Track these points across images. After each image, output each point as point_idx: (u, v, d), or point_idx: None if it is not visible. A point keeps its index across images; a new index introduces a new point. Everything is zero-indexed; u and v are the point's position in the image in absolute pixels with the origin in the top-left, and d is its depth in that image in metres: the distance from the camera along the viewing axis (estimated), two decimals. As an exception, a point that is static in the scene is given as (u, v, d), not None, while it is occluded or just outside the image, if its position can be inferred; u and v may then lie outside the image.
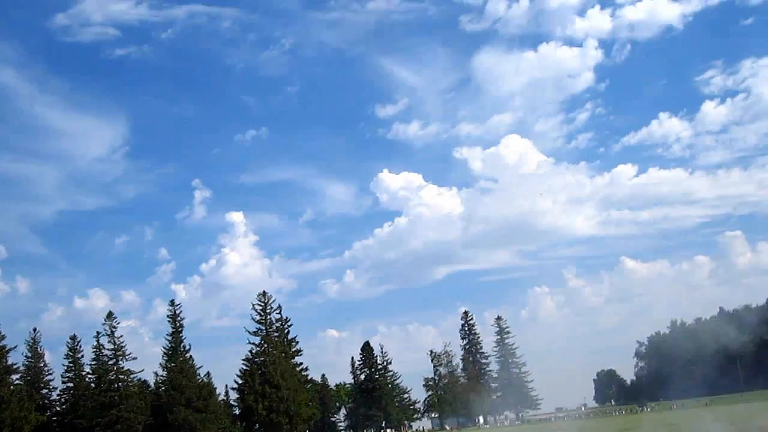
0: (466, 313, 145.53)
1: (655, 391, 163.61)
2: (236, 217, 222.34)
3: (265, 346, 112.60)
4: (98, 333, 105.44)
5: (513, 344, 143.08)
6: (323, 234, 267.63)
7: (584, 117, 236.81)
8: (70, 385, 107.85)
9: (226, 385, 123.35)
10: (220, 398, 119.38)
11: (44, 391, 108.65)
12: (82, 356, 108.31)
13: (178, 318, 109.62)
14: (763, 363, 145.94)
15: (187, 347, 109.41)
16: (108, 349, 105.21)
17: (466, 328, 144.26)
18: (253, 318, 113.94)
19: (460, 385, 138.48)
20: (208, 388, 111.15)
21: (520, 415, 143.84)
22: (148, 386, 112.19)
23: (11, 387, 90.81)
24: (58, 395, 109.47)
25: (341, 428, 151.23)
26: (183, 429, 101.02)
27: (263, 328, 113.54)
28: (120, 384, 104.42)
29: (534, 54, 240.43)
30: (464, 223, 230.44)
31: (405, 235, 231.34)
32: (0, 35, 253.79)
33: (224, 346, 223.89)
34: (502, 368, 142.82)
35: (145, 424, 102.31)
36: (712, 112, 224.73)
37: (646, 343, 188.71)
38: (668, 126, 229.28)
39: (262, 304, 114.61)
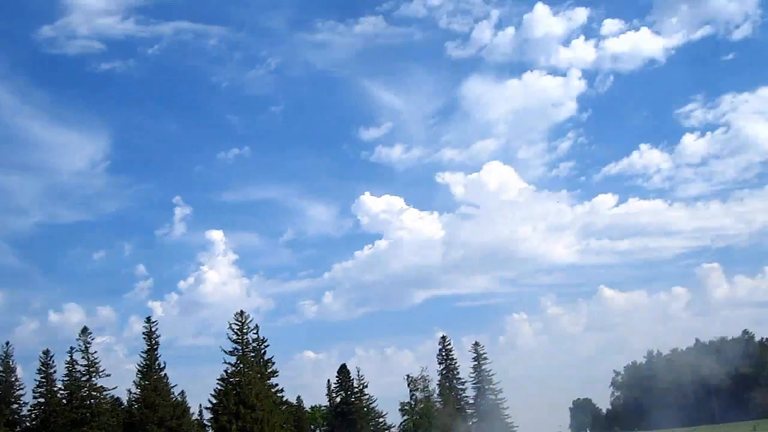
0: (443, 338, 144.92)
1: (631, 421, 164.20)
2: (216, 235, 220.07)
3: (241, 366, 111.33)
4: (72, 348, 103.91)
5: (490, 371, 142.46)
6: (303, 254, 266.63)
7: (566, 146, 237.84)
8: (42, 400, 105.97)
9: (200, 405, 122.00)
10: (193, 418, 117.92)
11: (14, 405, 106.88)
12: (55, 371, 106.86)
13: (154, 335, 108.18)
14: (738, 395, 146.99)
15: (162, 365, 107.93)
16: (81, 365, 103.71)
17: (444, 353, 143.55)
18: (229, 337, 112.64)
19: (436, 411, 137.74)
20: (181, 407, 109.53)
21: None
22: (121, 404, 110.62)
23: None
24: (28, 411, 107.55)
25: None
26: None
27: (239, 347, 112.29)
28: (92, 401, 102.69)
29: (518, 82, 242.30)
30: (444, 248, 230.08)
31: (385, 258, 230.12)
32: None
33: (199, 365, 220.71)
34: (479, 394, 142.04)
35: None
36: (692, 144, 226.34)
37: (623, 372, 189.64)
38: (649, 157, 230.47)
39: (239, 324, 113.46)
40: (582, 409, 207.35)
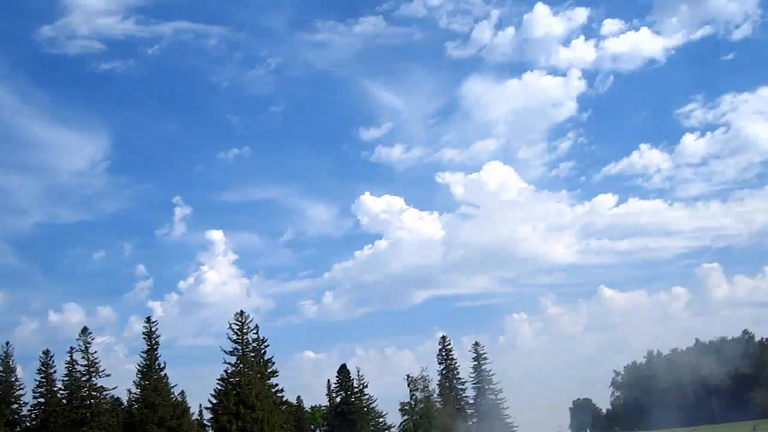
0: (443, 338, 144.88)
1: (631, 421, 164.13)
2: (216, 235, 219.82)
3: (241, 366, 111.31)
4: (72, 348, 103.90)
5: (490, 371, 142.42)
6: (303, 254, 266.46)
7: (566, 146, 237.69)
8: (42, 400, 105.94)
9: (200, 405, 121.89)
10: (193, 418, 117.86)
11: (14, 405, 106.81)
12: (55, 371, 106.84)
13: (154, 335, 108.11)
14: (738, 395, 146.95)
15: (162, 365, 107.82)
16: (81, 365, 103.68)
17: (444, 353, 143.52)
18: (229, 337, 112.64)
19: (436, 411, 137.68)
20: (181, 407, 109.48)
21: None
22: (121, 404, 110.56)
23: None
24: (28, 411, 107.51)
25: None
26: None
27: (239, 347, 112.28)
28: (92, 401, 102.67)
29: (518, 82, 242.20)
30: (444, 248, 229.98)
31: (385, 258, 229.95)
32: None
33: (199, 365, 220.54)
34: (479, 394, 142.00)
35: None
36: (692, 144, 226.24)
37: (623, 372, 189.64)
38: (649, 157, 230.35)
39: (239, 324, 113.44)
40: (582, 409, 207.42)
